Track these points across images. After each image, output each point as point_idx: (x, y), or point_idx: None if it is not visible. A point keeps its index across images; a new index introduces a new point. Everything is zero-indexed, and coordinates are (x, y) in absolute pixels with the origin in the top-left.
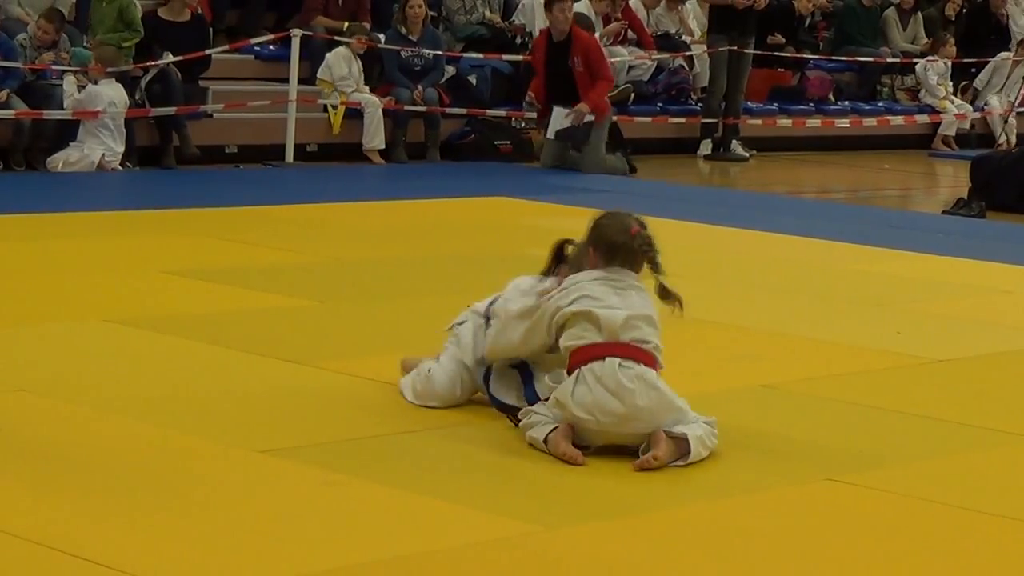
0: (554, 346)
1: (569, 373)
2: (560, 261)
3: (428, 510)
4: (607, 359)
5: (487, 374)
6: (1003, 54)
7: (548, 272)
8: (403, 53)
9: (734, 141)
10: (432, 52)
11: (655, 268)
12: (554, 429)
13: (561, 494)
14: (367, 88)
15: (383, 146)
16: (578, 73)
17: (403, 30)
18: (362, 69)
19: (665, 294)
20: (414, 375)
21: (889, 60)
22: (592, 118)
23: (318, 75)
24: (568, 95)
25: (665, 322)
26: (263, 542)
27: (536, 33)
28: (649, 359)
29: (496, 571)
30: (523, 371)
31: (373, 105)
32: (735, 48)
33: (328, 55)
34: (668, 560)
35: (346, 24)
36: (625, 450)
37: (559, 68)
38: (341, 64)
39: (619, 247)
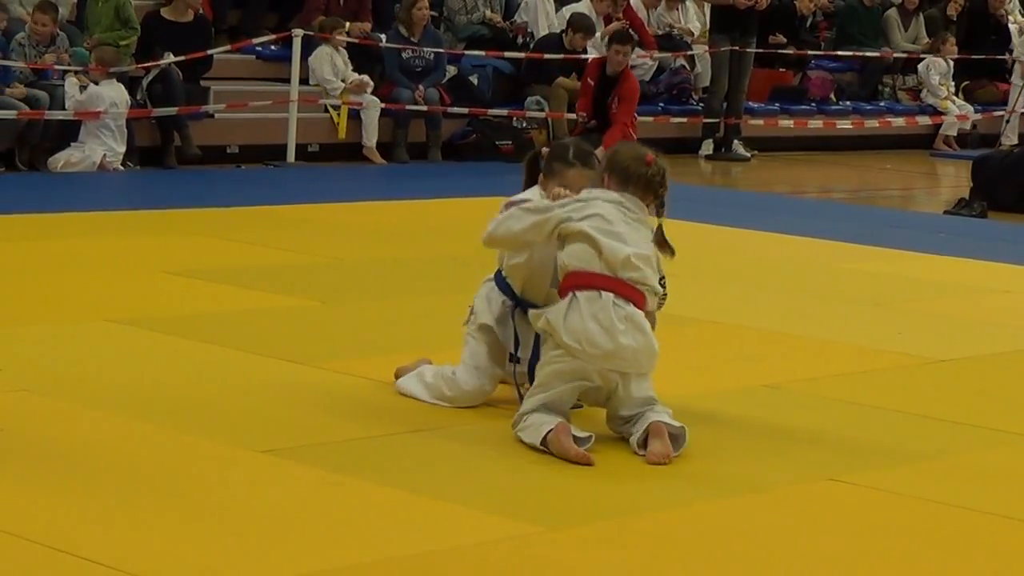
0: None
1: (562, 294)
2: (536, 172)
3: (429, 510)
4: (603, 294)
5: (516, 337)
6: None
7: (526, 188)
8: (404, 54)
9: (735, 141)
10: (432, 52)
11: (661, 206)
12: (551, 430)
13: (563, 494)
14: (357, 75)
15: (372, 142)
16: (612, 113)
17: (404, 31)
18: (347, 62)
19: (662, 240)
20: (432, 377)
21: (895, 55)
22: None
23: (310, 81)
24: (604, 125)
25: (666, 322)
26: (264, 542)
27: (539, 32)
28: (640, 300)
29: (498, 571)
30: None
31: (374, 105)
32: (737, 48)
33: (310, 59)
34: (670, 560)
35: (347, 25)
36: (627, 450)
37: (602, 99)
38: (323, 66)
39: (633, 174)
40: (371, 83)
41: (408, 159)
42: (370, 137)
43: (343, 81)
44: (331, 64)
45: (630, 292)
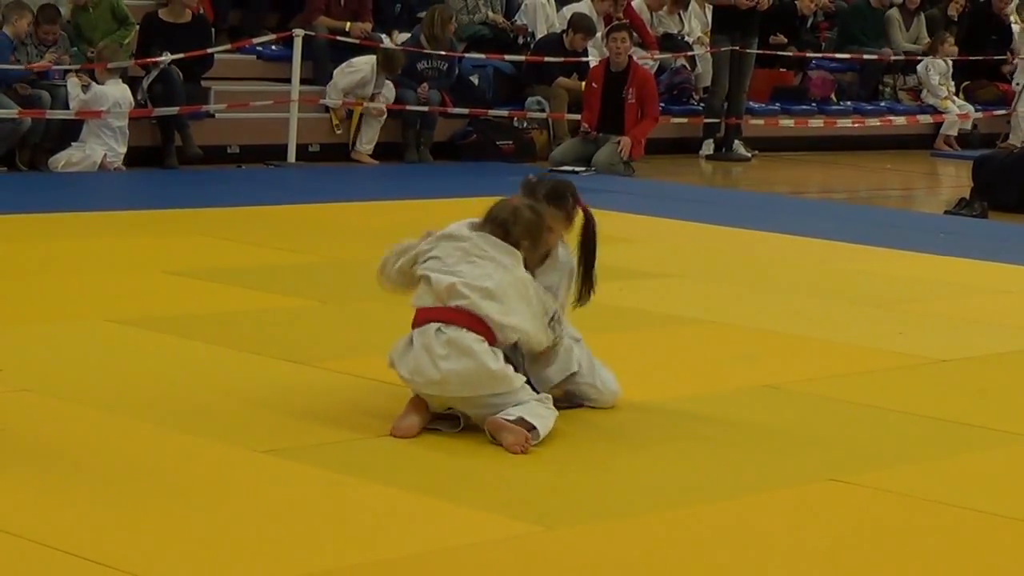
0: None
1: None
2: None
3: (429, 510)
4: (429, 324)
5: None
6: None
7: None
8: (419, 65)
9: (736, 141)
10: (443, 56)
11: (533, 248)
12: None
13: (562, 494)
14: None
15: (365, 148)
16: (628, 104)
17: (426, 43)
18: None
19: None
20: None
21: (893, 58)
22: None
23: (335, 76)
24: (619, 126)
25: (666, 322)
26: (265, 542)
27: (538, 33)
28: (474, 323)
29: (497, 571)
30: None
31: (380, 111)
32: (738, 48)
33: (355, 60)
34: (669, 560)
35: (348, 25)
36: (622, 451)
37: (614, 98)
38: (347, 74)
39: (492, 213)
40: (383, 111)
41: (417, 159)
42: (366, 142)
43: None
44: (360, 79)
45: (456, 317)
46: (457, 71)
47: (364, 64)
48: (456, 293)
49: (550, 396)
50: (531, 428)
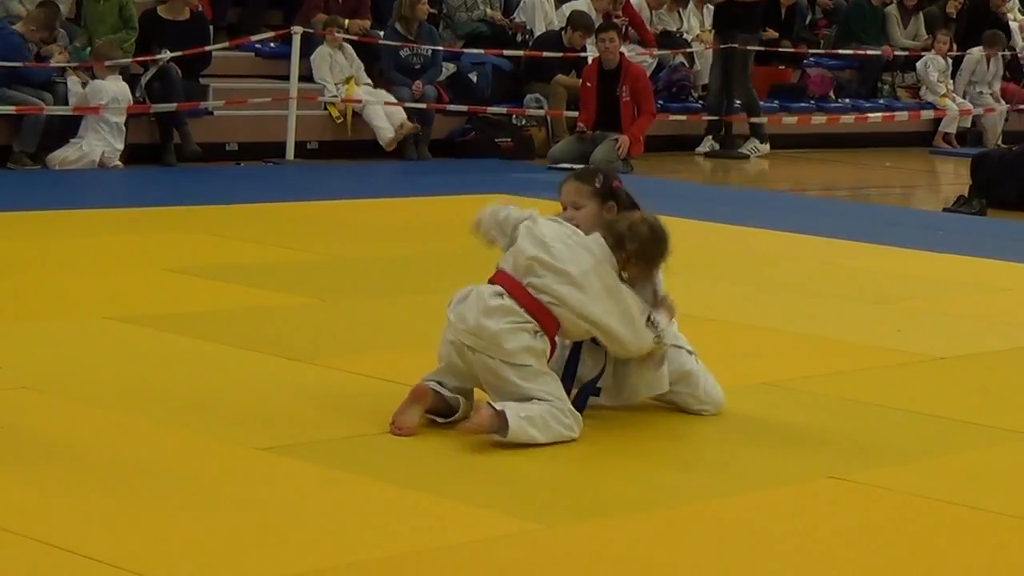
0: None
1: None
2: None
3: (429, 507)
4: (494, 286)
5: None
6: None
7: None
8: (402, 52)
9: (753, 139)
10: (430, 49)
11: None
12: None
13: (562, 491)
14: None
15: (391, 134)
16: (624, 103)
17: (401, 29)
18: (350, 59)
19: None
20: None
21: (896, 53)
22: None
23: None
24: (616, 123)
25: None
26: (264, 539)
27: (537, 31)
28: (537, 311)
29: (496, 569)
30: (573, 355)
31: (374, 105)
32: (735, 46)
33: (312, 57)
34: (669, 558)
35: (346, 22)
36: (623, 448)
37: (608, 96)
38: (321, 65)
39: (610, 224)
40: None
41: (415, 156)
42: (384, 134)
43: (355, 83)
44: (329, 64)
45: (524, 298)
46: (455, 68)
47: (318, 51)
48: (533, 271)
49: (576, 414)
50: (503, 425)
